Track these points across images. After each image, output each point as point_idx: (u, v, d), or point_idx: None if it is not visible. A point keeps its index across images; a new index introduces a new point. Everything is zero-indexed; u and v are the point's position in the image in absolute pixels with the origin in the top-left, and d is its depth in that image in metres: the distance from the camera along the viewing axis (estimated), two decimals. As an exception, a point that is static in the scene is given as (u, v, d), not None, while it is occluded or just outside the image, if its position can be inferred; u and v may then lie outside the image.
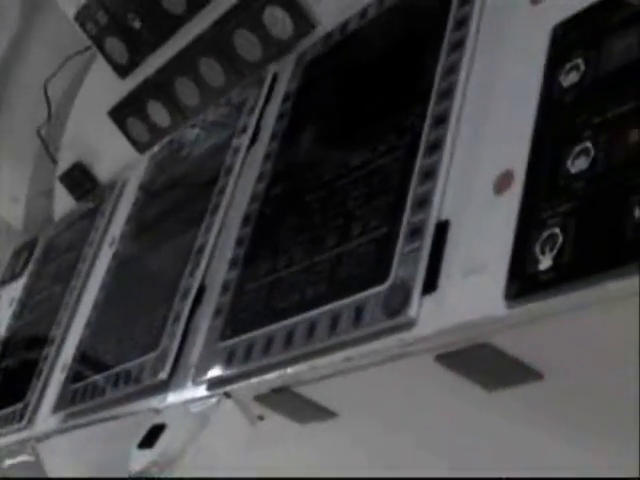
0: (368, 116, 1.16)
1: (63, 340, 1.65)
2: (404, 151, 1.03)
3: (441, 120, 1.00)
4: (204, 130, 1.60)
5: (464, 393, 0.93)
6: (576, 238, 0.76)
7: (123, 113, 1.81)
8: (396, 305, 0.91)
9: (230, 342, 1.14)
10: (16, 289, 2.05)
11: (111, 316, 1.54)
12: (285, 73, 1.43)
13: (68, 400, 1.47)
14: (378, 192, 1.04)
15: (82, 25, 1.77)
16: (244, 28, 1.49)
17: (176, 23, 1.62)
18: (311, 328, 1.00)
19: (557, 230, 0.78)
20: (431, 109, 1.02)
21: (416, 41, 1.14)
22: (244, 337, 1.11)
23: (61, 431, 1.48)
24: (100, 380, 1.40)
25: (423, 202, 0.95)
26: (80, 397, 1.43)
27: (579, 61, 0.86)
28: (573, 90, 0.85)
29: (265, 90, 1.45)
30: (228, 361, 1.12)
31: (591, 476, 0.99)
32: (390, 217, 0.99)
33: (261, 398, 1.09)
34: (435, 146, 0.99)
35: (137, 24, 1.67)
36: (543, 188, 0.82)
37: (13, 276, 2.13)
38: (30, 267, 2.06)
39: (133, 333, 1.40)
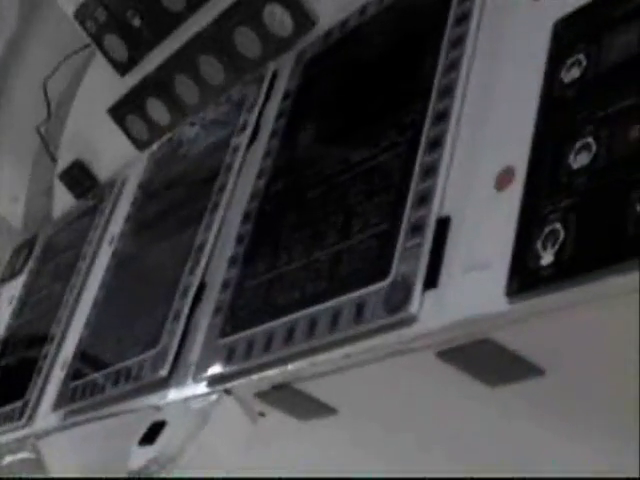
0: (369, 113, 1.16)
1: (63, 338, 1.65)
2: (405, 148, 1.03)
3: (442, 117, 1.00)
4: (204, 128, 1.60)
5: (465, 389, 0.93)
6: (577, 234, 0.76)
7: (123, 111, 1.81)
8: (397, 301, 0.91)
9: (230, 339, 1.14)
10: (16, 287, 2.05)
11: (111, 314, 1.54)
12: (285, 71, 1.43)
13: (68, 398, 1.47)
14: (379, 189, 1.04)
15: (81, 23, 1.76)
16: (244, 25, 1.49)
17: (176, 20, 1.62)
18: (312, 324, 1.00)
19: (558, 226, 0.78)
20: (432, 106, 1.02)
21: (416, 38, 1.14)
22: (244, 334, 1.11)
23: (61, 428, 1.48)
24: (100, 377, 1.40)
25: (424, 198, 0.95)
26: (80, 394, 1.43)
27: (580, 57, 0.86)
28: (574, 86, 0.85)
29: (265, 88, 1.44)
30: (228, 358, 1.12)
31: (592, 472, 0.99)
32: (391, 213, 0.99)
33: (261, 395, 1.09)
34: (436, 143, 0.99)
35: (137, 21, 1.67)
36: (544, 184, 0.82)
37: (13, 274, 2.13)
38: (30, 265, 2.05)
39: (133, 331, 1.40)
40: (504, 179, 0.88)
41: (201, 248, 1.34)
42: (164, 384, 1.24)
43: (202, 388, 1.16)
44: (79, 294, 1.70)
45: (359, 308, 0.95)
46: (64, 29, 1.88)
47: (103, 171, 1.96)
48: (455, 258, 0.89)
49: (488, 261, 0.85)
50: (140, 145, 1.83)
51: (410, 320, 0.89)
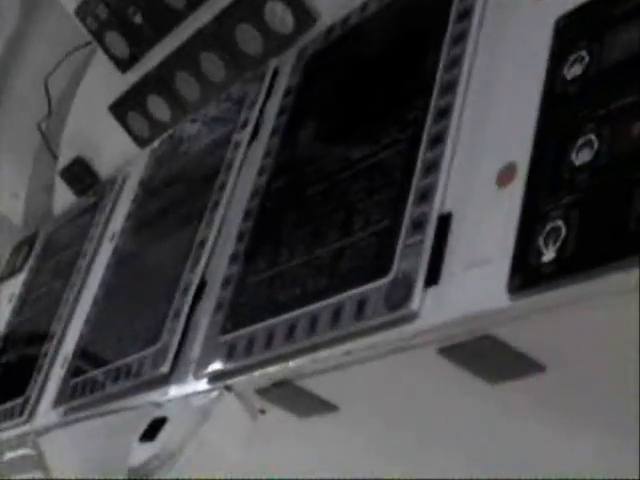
0: (370, 110, 1.16)
1: (63, 335, 1.65)
2: (407, 144, 1.03)
3: (444, 113, 1.00)
4: (205, 125, 1.60)
5: (466, 386, 0.93)
6: (579, 231, 0.76)
7: (124, 108, 1.81)
8: (398, 298, 0.91)
9: (231, 336, 1.14)
10: (16, 284, 2.05)
11: (111, 311, 1.53)
12: (286, 68, 1.42)
13: (68, 394, 1.47)
14: (380, 185, 1.04)
15: (82, 20, 1.76)
16: (245, 22, 1.49)
17: (177, 17, 1.61)
18: (313, 321, 1.00)
19: (560, 223, 0.78)
20: (434, 102, 1.02)
21: (418, 34, 1.14)
22: (245, 331, 1.11)
23: (61, 425, 1.48)
24: (100, 374, 1.40)
25: (425, 195, 0.95)
26: (80, 391, 1.43)
27: (582, 53, 0.86)
28: (576, 82, 0.85)
29: (266, 85, 1.44)
30: (229, 355, 1.12)
31: (592, 469, 0.99)
32: (392, 210, 0.99)
33: (262, 391, 1.09)
34: (438, 139, 0.98)
35: (138, 18, 1.67)
36: (546, 181, 0.82)
37: (13, 271, 2.13)
38: (30, 262, 2.05)
39: (133, 328, 1.39)
40: (506, 176, 0.88)
41: (202, 245, 1.34)
42: (165, 381, 1.24)
43: (203, 385, 1.16)
44: (79, 291, 1.70)
45: (360, 305, 0.95)
46: (65, 26, 1.88)
47: (104, 168, 1.96)
48: (456, 255, 0.89)
49: (489, 258, 0.84)
50: (141, 142, 1.82)
51: (411, 317, 0.89)
